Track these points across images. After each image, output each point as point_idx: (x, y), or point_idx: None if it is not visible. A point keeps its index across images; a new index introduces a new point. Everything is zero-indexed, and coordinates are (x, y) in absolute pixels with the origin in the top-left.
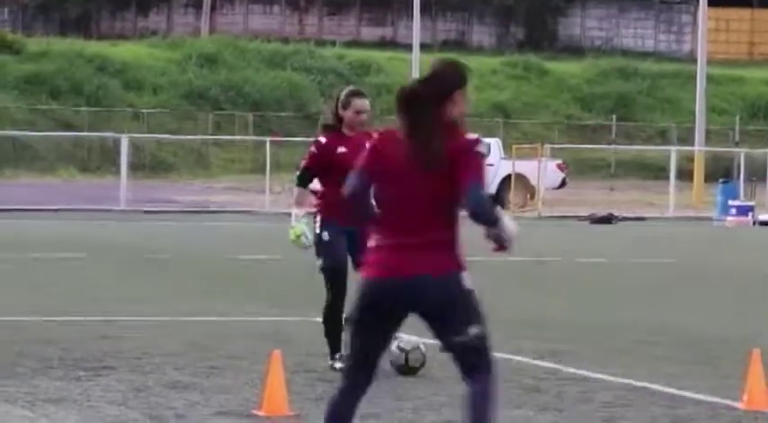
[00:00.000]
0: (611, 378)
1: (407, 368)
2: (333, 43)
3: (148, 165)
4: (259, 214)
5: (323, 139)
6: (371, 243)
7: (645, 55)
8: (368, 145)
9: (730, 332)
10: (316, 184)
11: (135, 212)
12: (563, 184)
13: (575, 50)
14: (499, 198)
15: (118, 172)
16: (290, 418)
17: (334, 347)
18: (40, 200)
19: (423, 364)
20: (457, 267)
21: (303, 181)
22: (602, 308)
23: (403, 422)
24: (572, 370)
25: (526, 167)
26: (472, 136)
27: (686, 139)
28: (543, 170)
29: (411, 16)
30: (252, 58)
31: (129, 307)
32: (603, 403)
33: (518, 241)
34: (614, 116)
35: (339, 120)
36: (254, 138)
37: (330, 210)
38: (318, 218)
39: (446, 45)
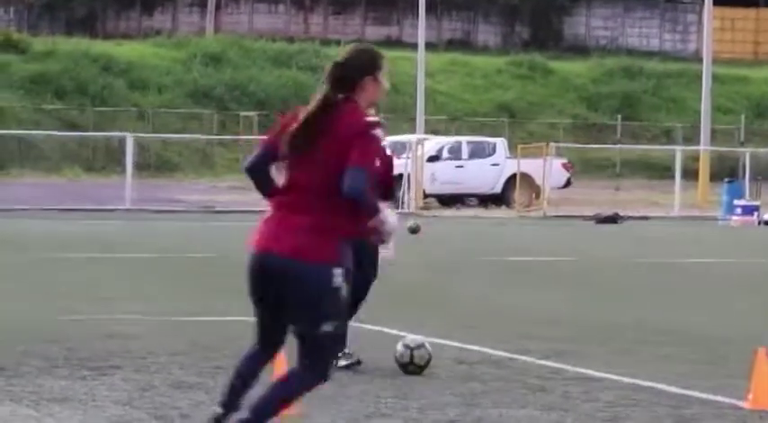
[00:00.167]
0: (616, 378)
1: (413, 366)
2: (338, 42)
3: (153, 164)
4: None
5: None
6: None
7: (650, 54)
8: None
9: (735, 332)
10: None
11: (140, 212)
12: (568, 183)
13: (580, 50)
14: (505, 197)
15: (123, 171)
16: (296, 418)
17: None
18: (46, 199)
19: (428, 363)
20: (330, 260)
21: None
22: (606, 307)
23: (408, 421)
24: (577, 370)
25: (531, 167)
26: (372, 119)
27: (691, 138)
28: (548, 170)
29: (416, 15)
30: (257, 58)
31: (135, 306)
32: (608, 403)
33: (395, 236)
34: (619, 116)
35: None
36: (259, 137)
37: None
38: None
39: (451, 44)
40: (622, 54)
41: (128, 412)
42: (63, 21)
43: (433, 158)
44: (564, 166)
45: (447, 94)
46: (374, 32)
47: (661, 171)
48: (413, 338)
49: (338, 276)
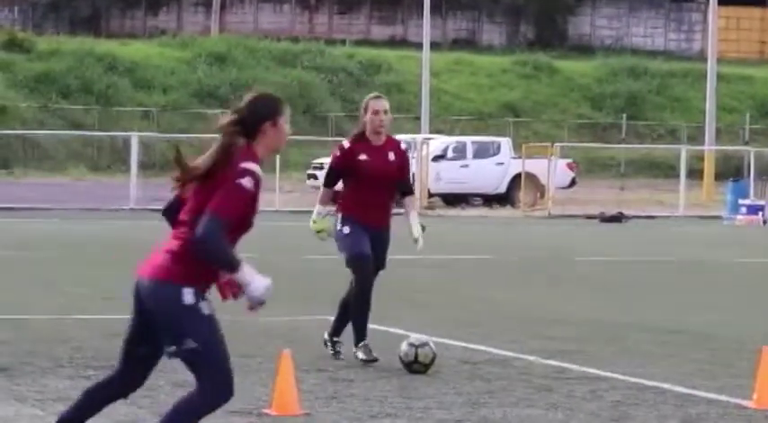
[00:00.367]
0: (621, 377)
1: (418, 365)
2: (343, 42)
3: (158, 164)
4: (269, 213)
5: (346, 144)
6: None
7: (655, 54)
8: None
9: (741, 331)
10: (338, 185)
11: (145, 211)
12: (573, 183)
13: (585, 49)
14: (509, 197)
15: (128, 171)
16: (301, 417)
17: (359, 336)
18: (50, 199)
19: (433, 361)
20: (179, 279)
21: (329, 181)
22: (612, 307)
23: (412, 421)
24: (582, 369)
25: (536, 166)
26: (247, 167)
27: (696, 137)
28: (553, 169)
29: (421, 15)
30: (262, 57)
31: None
32: (614, 402)
33: (266, 303)
34: (624, 115)
35: (364, 126)
36: None
37: (351, 211)
38: (339, 216)
39: (456, 44)
40: (627, 53)
41: (132, 411)
42: (67, 20)
43: (438, 158)
44: (569, 165)
45: (452, 94)
46: (379, 32)
47: (666, 170)
48: (417, 337)
49: (188, 295)
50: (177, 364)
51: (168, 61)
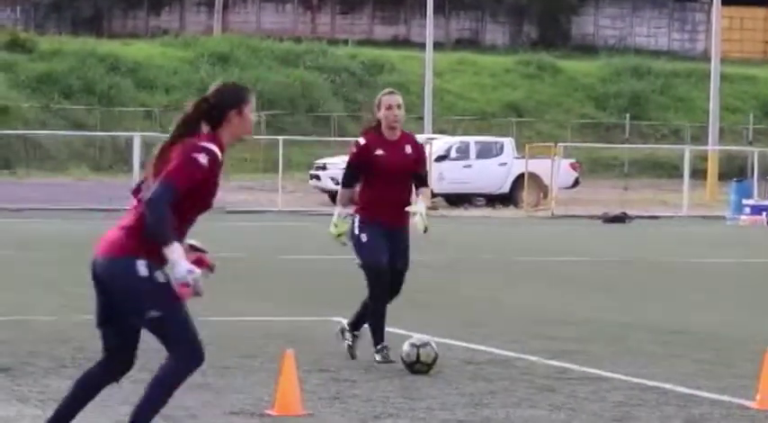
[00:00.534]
0: (624, 377)
1: (420, 365)
2: (345, 42)
3: None
4: (272, 213)
5: (362, 140)
6: None
7: (658, 54)
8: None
9: (744, 332)
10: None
11: None
12: (576, 183)
13: (588, 49)
14: (512, 197)
15: (130, 171)
16: (303, 418)
17: (377, 340)
18: (52, 199)
19: (435, 361)
20: (130, 252)
21: (348, 181)
22: (614, 307)
23: (415, 421)
24: (585, 369)
25: (539, 167)
26: (206, 145)
27: (700, 137)
28: (556, 169)
29: (424, 15)
30: (264, 57)
31: None
32: (616, 403)
33: (201, 294)
34: (628, 115)
35: (378, 123)
36: (267, 137)
37: (369, 210)
38: (357, 218)
39: (459, 44)
40: (630, 53)
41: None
42: (69, 20)
43: (441, 158)
44: (572, 165)
45: (455, 94)
46: (382, 32)
47: (669, 170)
48: (418, 337)
49: (142, 266)
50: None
51: (171, 61)
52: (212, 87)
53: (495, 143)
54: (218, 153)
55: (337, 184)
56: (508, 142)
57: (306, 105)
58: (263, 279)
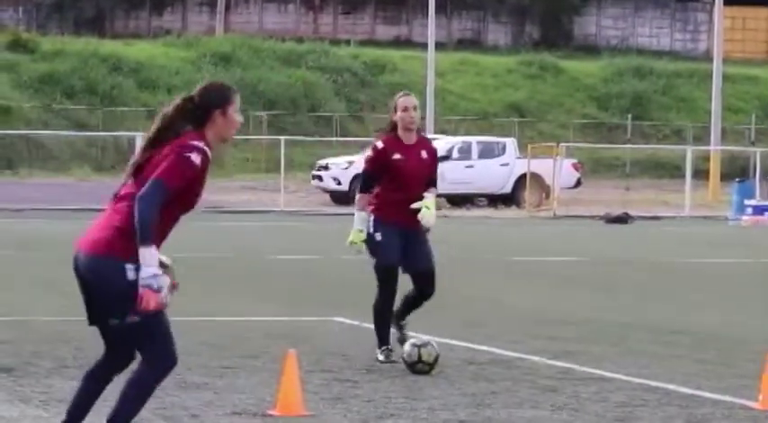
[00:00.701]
0: (626, 378)
1: (422, 364)
2: (348, 42)
3: None
4: (274, 213)
5: (380, 144)
6: None
7: (660, 54)
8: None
9: (746, 332)
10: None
11: None
12: (578, 183)
13: (590, 49)
14: (514, 197)
15: None
16: (305, 418)
17: (381, 340)
18: (54, 199)
19: (436, 360)
20: (121, 255)
21: (367, 186)
22: (617, 307)
23: (417, 421)
24: (587, 370)
25: (541, 167)
26: (196, 144)
27: (702, 138)
28: (558, 169)
29: (426, 15)
30: (266, 57)
31: None
32: (619, 403)
33: (164, 303)
34: (630, 115)
35: (394, 125)
36: (269, 137)
37: (385, 211)
38: (372, 218)
39: (461, 44)
40: (633, 54)
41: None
42: (72, 20)
43: (443, 158)
44: (574, 166)
45: (457, 94)
46: (384, 32)
47: (671, 171)
48: (419, 337)
49: (131, 271)
50: (183, 364)
51: (173, 61)
52: (198, 87)
53: (498, 143)
54: (209, 153)
55: (339, 184)
56: (510, 142)
57: (308, 105)
58: (264, 279)
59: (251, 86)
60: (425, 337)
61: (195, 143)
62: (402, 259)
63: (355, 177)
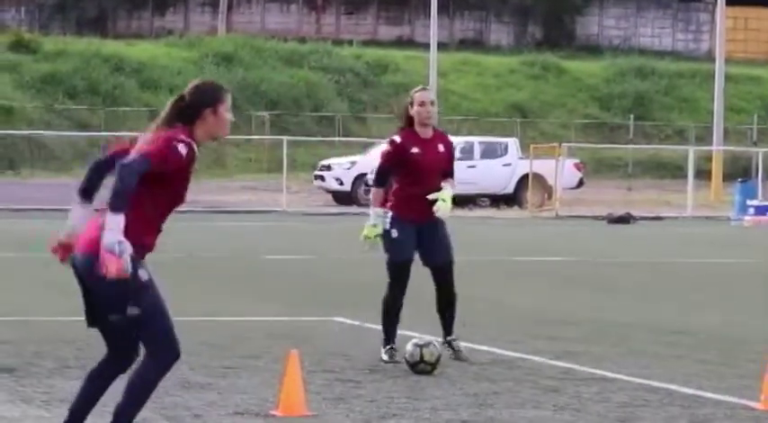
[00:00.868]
0: (628, 378)
1: (424, 364)
2: (350, 42)
3: None
4: (276, 214)
5: (398, 139)
6: None
7: (663, 54)
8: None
9: (748, 332)
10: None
11: None
12: (580, 183)
13: (592, 50)
14: (517, 197)
15: None
16: (308, 419)
17: (387, 338)
18: (57, 199)
19: (438, 360)
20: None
21: (381, 181)
22: (619, 308)
23: (419, 421)
24: (589, 370)
25: (543, 167)
26: (184, 138)
27: (704, 138)
28: (560, 170)
29: (428, 15)
30: (269, 58)
31: None
32: (621, 403)
33: (115, 263)
34: (632, 115)
35: (410, 120)
36: (272, 137)
37: (402, 207)
38: (390, 214)
39: (463, 44)
40: (635, 54)
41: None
42: (74, 21)
43: None
44: (576, 166)
45: (459, 94)
46: (386, 32)
47: (673, 171)
48: (421, 337)
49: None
50: (185, 364)
51: (175, 61)
52: (190, 85)
53: (500, 143)
54: (195, 147)
55: (341, 184)
56: (512, 143)
57: (310, 105)
58: (267, 279)
59: (253, 86)
60: (428, 338)
61: (182, 137)
62: (421, 254)
63: (358, 177)
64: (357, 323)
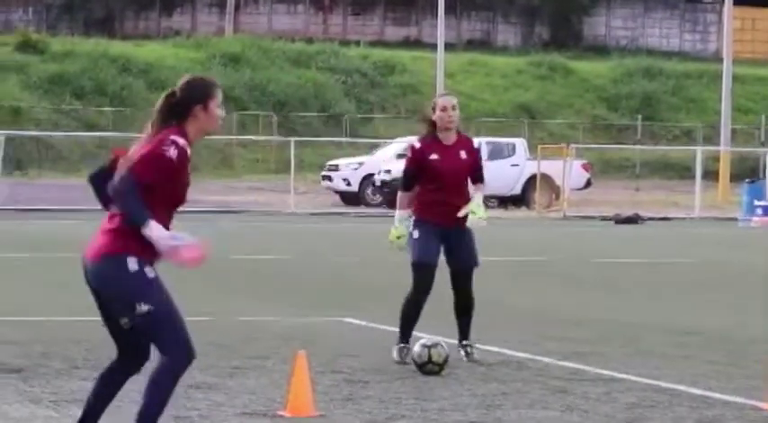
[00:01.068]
0: (636, 379)
1: (431, 365)
2: (357, 43)
3: None
4: (284, 214)
5: (417, 145)
6: None
7: (670, 54)
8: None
9: (756, 333)
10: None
11: None
12: (588, 184)
13: (600, 50)
14: (524, 198)
15: None
16: (316, 419)
17: (402, 336)
18: (65, 200)
19: (446, 361)
20: (122, 250)
21: (406, 185)
22: (627, 308)
23: (428, 422)
24: (597, 371)
25: (551, 168)
26: (174, 138)
27: (711, 138)
28: (568, 170)
29: (436, 16)
30: (276, 58)
31: None
32: (629, 404)
33: (202, 257)
34: (639, 116)
35: (433, 125)
36: (279, 138)
37: (424, 210)
38: (413, 218)
39: (471, 44)
40: (642, 54)
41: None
42: (81, 21)
43: None
44: (583, 166)
45: (466, 95)
46: (393, 33)
47: (681, 171)
48: (429, 338)
49: (132, 262)
50: (193, 365)
51: (182, 62)
52: (181, 81)
53: (507, 144)
54: (187, 146)
55: (349, 184)
56: (520, 143)
57: (318, 106)
58: (275, 280)
59: (260, 87)
60: (436, 338)
61: (172, 137)
62: (446, 257)
63: (365, 178)
64: (365, 324)
